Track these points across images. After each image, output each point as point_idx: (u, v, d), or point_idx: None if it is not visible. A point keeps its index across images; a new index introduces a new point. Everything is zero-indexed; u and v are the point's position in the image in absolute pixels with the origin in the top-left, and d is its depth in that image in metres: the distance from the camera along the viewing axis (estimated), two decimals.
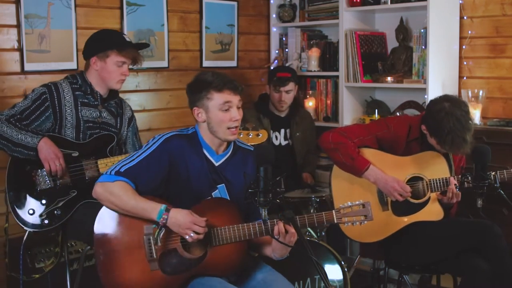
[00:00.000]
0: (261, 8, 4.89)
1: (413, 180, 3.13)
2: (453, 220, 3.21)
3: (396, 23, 4.30)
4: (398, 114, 4.26)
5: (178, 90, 4.34)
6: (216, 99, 2.54)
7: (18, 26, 3.58)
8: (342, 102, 4.44)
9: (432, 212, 3.11)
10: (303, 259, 2.89)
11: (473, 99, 3.94)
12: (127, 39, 3.21)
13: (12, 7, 3.56)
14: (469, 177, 2.93)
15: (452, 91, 4.02)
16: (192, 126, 2.66)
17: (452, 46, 4.07)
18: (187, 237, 2.41)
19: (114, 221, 2.48)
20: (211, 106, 2.54)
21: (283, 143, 4.33)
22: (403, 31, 4.27)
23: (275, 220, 2.43)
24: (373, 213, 2.55)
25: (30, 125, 3.02)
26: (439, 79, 3.98)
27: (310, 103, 4.74)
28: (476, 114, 3.84)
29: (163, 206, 2.42)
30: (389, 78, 4.22)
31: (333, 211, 2.53)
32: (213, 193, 2.59)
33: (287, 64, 4.75)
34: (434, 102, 3.06)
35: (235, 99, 2.56)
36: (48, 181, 3.02)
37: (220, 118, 2.54)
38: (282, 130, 4.32)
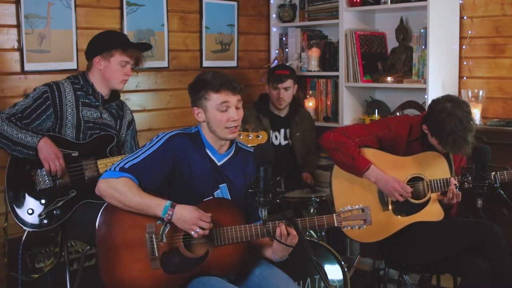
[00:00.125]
0: (261, 8, 4.89)
1: (414, 180, 3.13)
2: (453, 220, 3.20)
3: (396, 23, 4.30)
4: (398, 114, 4.26)
5: (178, 90, 4.34)
6: (214, 99, 2.54)
7: (18, 26, 3.58)
8: (342, 102, 4.44)
9: (433, 212, 3.10)
10: (303, 259, 2.89)
11: (473, 99, 3.94)
12: (131, 40, 3.24)
13: (12, 7, 3.56)
14: (469, 177, 2.93)
15: (452, 91, 4.02)
16: (195, 125, 2.67)
17: (452, 46, 4.07)
18: (192, 233, 2.42)
19: (116, 218, 2.48)
20: (209, 106, 2.55)
21: (283, 143, 4.33)
22: (403, 31, 4.27)
23: (276, 222, 2.43)
24: (373, 213, 2.56)
25: (31, 124, 3.02)
26: (439, 79, 3.98)
27: (310, 103, 4.74)
28: (476, 114, 3.84)
29: (168, 202, 2.43)
30: (389, 78, 4.22)
31: (334, 215, 2.54)
32: (215, 193, 2.60)
33: (287, 64, 4.75)
34: (436, 102, 3.05)
35: (233, 99, 2.56)
36: (47, 181, 3.02)
37: (218, 118, 2.54)
38: (282, 130, 4.32)
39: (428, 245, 3.09)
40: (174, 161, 2.53)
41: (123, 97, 3.44)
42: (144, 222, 2.46)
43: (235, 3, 4.66)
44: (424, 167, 3.10)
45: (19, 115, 3.01)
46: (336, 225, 2.53)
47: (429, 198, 3.10)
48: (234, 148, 2.68)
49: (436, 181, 3.07)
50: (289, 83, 4.22)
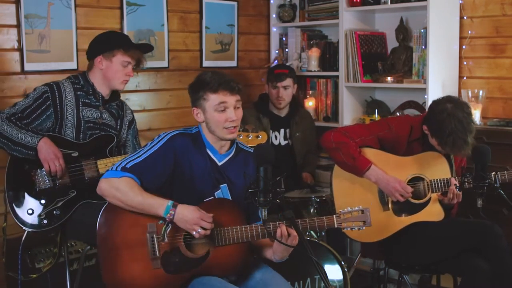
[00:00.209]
0: (261, 8, 4.89)
1: (414, 180, 3.13)
2: (453, 220, 3.20)
3: (396, 23, 4.30)
4: (398, 114, 4.26)
5: (178, 90, 4.34)
6: (212, 100, 2.54)
7: (18, 26, 3.58)
8: (342, 102, 4.44)
9: (433, 212, 3.10)
10: (303, 259, 2.90)
11: (473, 99, 3.94)
12: (133, 41, 3.26)
13: (12, 7, 3.56)
14: (469, 177, 2.93)
15: (452, 91, 4.02)
16: (195, 126, 2.67)
17: (452, 46, 4.07)
18: (194, 233, 2.42)
19: (117, 218, 2.48)
20: (208, 107, 2.56)
21: (283, 143, 4.33)
22: (403, 31, 4.27)
23: (277, 222, 2.43)
24: (373, 213, 2.56)
25: (31, 124, 3.02)
26: (439, 79, 3.97)
27: (310, 103, 4.74)
28: (476, 114, 3.84)
29: (170, 202, 2.43)
30: (389, 78, 4.22)
31: (334, 216, 2.54)
32: (215, 193, 2.60)
33: (287, 64, 4.75)
34: (436, 102, 3.05)
35: (231, 100, 2.56)
36: (47, 181, 3.01)
37: (217, 118, 2.54)
38: (282, 130, 4.32)
39: (428, 245, 3.09)
40: (175, 161, 2.53)
41: (123, 97, 3.45)
42: (145, 222, 2.46)
43: (235, 3, 4.66)
44: (425, 167, 3.10)
45: (19, 115, 3.01)
46: (336, 226, 2.54)
47: (430, 198, 3.10)
48: (234, 149, 2.68)
49: (437, 181, 3.07)
50: (288, 82, 4.22)
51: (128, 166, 2.49)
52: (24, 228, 3.01)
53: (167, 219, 2.43)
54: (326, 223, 2.53)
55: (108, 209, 2.50)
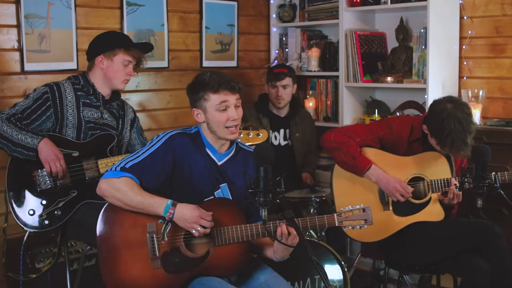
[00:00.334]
0: (261, 8, 4.89)
1: (414, 180, 3.13)
2: (453, 220, 3.20)
3: (396, 23, 4.30)
4: (398, 114, 4.26)
5: (178, 90, 4.34)
6: (213, 99, 2.54)
7: (18, 26, 3.58)
8: (342, 102, 4.44)
9: (433, 212, 3.11)
10: (303, 259, 2.90)
11: (473, 99, 3.94)
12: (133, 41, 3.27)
13: (12, 7, 3.56)
14: (469, 177, 2.93)
15: (452, 91, 4.02)
16: (195, 125, 2.67)
17: (452, 46, 4.07)
18: (193, 231, 2.42)
19: (117, 218, 2.49)
20: (208, 107, 2.55)
21: (283, 143, 4.32)
22: (403, 31, 4.27)
23: (277, 221, 2.43)
24: (374, 213, 2.56)
25: (31, 124, 3.02)
26: (439, 79, 3.97)
27: (310, 103, 4.74)
28: (476, 114, 3.84)
29: (169, 201, 2.43)
30: (389, 78, 4.22)
31: (335, 215, 2.54)
32: (215, 193, 2.60)
33: (287, 64, 4.75)
34: (437, 102, 3.05)
35: (232, 99, 2.56)
36: (48, 182, 3.01)
37: (218, 118, 2.54)
38: (282, 130, 4.31)
39: (428, 245, 3.09)
40: (175, 160, 2.53)
41: (123, 97, 3.44)
42: (145, 222, 2.46)
43: (235, 3, 4.66)
44: (425, 167, 3.10)
45: (19, 115, 3.01)
46: (337, 224, 2.53)
47: (430, 198, 3.11)
48: (234, 148, 2.68)
49: (437, 181, 3.07)
50: (287, 81, 4.22)
51: (127, 166, 2.49)
52: (25, 228, 3.01)
53: (166, 218, 2.43)
54: (327, 222, 2.53)
55: (108, 209, 2.50)
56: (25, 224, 2.99)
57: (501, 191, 2.90)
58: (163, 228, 2.44)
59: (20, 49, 3.60)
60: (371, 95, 4.54)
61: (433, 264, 3.16)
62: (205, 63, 4.50)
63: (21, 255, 3.23)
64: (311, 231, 3.56)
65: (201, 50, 4.49)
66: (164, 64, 4.28)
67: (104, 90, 3.19)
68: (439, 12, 3.92)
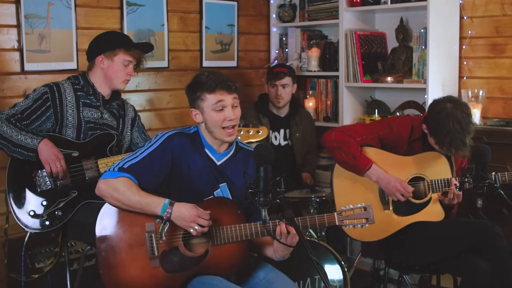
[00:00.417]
0: (261, 8, 4.89)
1: (415, 180, 3.13)
2: (453, 220, 3.20)
3: (396, 23, 4.30)
4: (398, 114, 4.26)
5: (178, 90, 4.34)
6: (209, 99, 2.54)
7: (18, 26, 3.58)
8: (342, 102, 4.44)
9: (433, 212, 3.10)
10: (303, 259, 2.89)
11: (473, 99, 3.94)
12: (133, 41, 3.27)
13: (12, 7, 3.56)
14: (469, 177, 2.93)
15: (452, 91, 4.02)
16: (194, 125, 2.67)
17: (452, 46, 4.07)
18: (191, 230, 2.42)
19: (116, 218, 2.49)
20: (205, 107, 2.56)
21: (283, 143, 4.32)
22: (403, 31, 4.27)
23: (277, 220, 2.43)
24: (374, 212, 2.56)
25: (31, 125, 3.02)
26: (439, 79, 3.97)
27: (310, 103, 4.74)
28: (476, 114, 3.84)
29: (167, 200, 2.44)
30: (389, 78, 4.22)
31: (335, 213, 2.53)
32: (215, 192, 2.60)
33: (287, 64, 4.75)
34: (436, 102, 3.05)
35: (229, 98, 2.56)
36: (48, 182, 3.01)
37: (215, 118, 2.54)
38: (282, 131, 4.31)
39: (428, 245, 3.09)
40: (173, 160, 2.53)
41: (123, 97, 3.44)
42: (144, 221, 2.47)
43: (235, 3, 4.66)
44: (425, 167, 3.10)
45: (19, 116, 3.01)
46: (337, 223, 2.53)
47: (430, 198, 3.10)
48: (234, 147, 2.68)
49: (437, 181, 3.07)
50: (287, 80, 4.22)
51: (125, 166, 2.49)
52: (26, 229, 3.01)
53: (164, 217, 2.43)
54: (327, 221, 2.52)
55: (107, 209, 2.50)
56: (26, 226, 2.99)
57: (501, 191, 2.90)
58: (161, 227, 2.44)
59: (20, 49, 3.60)
60: (371, 95, 4.54)
61: (433, 264, 3.16)
62: (205, 63, 4.50)
63: (22, 256, 3.23)
64: (311, 231, 3.56)
65: (201, 50, 4.49)
66: (164, 64, 4.28)
67: (104, 90, 3.19)
68: (439, 12, 3.92)
